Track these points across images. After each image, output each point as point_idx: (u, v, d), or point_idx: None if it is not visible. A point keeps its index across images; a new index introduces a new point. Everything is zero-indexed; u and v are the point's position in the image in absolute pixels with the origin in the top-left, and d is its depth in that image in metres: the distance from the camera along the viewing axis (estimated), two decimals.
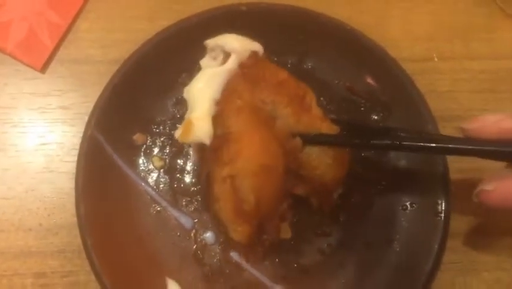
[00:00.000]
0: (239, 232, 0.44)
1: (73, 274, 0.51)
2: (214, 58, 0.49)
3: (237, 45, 0.48)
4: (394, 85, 0.54)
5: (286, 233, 0.49)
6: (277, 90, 0.47)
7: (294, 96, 0.48)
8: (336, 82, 0.57)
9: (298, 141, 0.46)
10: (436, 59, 0.61)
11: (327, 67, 0.57)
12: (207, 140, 0.44)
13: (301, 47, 0.57)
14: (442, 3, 0.64)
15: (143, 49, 0.53)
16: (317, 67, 0.57)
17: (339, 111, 0.56)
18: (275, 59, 0.56)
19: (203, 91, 0.46)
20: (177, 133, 0.46)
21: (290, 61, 0.57)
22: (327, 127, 0.47)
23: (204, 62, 0.50)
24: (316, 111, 0.48)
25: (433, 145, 0.44)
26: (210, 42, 0.49)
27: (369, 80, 0.55)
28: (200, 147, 0.47)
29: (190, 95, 0.46)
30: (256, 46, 0.49)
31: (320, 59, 0.57)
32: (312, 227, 0.53)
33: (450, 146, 0.44)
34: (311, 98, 0.49)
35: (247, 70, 0.47)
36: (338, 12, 0.57)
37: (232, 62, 0.47)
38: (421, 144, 0.45)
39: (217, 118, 0.45)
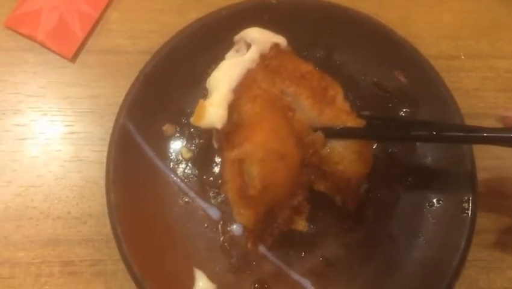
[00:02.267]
0: (242, 214, 0.44)
1: (101, 263, 0.51)
2: (237, 51, 0.51)
3: (257, 36, 0.49)
4: (423, 81, 0.54)
5: (302, 226, 0.48)
6: (299, 82, 0.47)
7: (317, 88, 0.48)
8: (363, 77, 0.57)
9: (319, 135, 0.46)
10: (463, 57, 0.61)
11: (354, 62, 0.57)
12: (219, 125, 0.45)
13: (329, 41, 0.57)
14: (466, 2, 0.64)
15: (174, 40, 0.53)
16: (344, 61, 0.57)
17: (366, 106, 0.56)
18: (304, 53, 0.57)
19: (221, 79, 0.47)
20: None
21: (317, 55, 0.57)
22: (353, 121, 0.47)
23: (228, 55, 0.51)
24: (341, 104, 0.48)
25: (472, 134, 0.44)
26: (236, 37, 0.50)
27: (397, 76, 0.55)
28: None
29: (210, 83, 0.48)
30: (279, 39, 0.50)
31: (348, 54, 0.57)
32: (338, 222, 0.53)
33: (487, 134, 0.43)
34: (336, 91, 0.49)
35: (268, 61, 0.48)
36: (365, 8, 0.57)
37: (252, 52, 0.48)
38: (461, 134, 0.45)
39: (234, 105, 0.46)
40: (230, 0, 0.56)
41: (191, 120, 0.47)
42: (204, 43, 0.54)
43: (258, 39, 0.48)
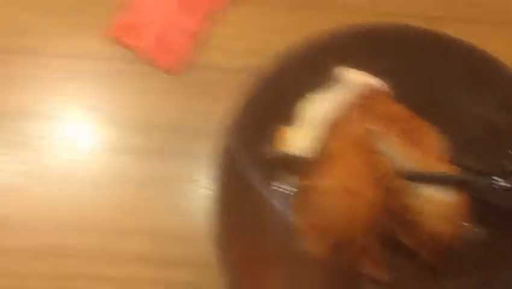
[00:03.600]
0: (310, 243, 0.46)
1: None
2: (333, 87, 0.52)
3: (353, 77, 0.51)
4: None
5: (380, 275, 0.47)
6: (388, 123, 0.48)
7: (407, 130, 0.48)
8: (469, 113, 0.54)
9: (404, 182, 0.46)
10: None
11: (460, 96, 0.55)
12: (298, 152, 0.47)
13: (431, 73, 0.56)
14: None
15: (281, 62, 0.52)
16: (448, 96, 0.55)
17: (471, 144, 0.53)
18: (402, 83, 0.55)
19: (312, 112, 0.50)
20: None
21: (418, 86, 0.56)
22: (444, 167, 0.46)
23: (324, 90, 0.52)
24: (433, 147, 0.48)
25: None
26: (334, 73, 0.52)
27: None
28: None
29: (300, 113, 0.50)
30: (376, 82, 0.51)
31: (452, 88, 0.55)
32: None
33: None
34: (428, 134, 0.49)
35: (360, 101, 0.49)
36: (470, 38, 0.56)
37: (345, 92, 0.50)
38: None
39: (319, 139, 0.48)
40: (335, 23, 0.54)
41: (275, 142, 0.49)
42: (307, 67, 0.53)
43: (353, 79, 0.51)
